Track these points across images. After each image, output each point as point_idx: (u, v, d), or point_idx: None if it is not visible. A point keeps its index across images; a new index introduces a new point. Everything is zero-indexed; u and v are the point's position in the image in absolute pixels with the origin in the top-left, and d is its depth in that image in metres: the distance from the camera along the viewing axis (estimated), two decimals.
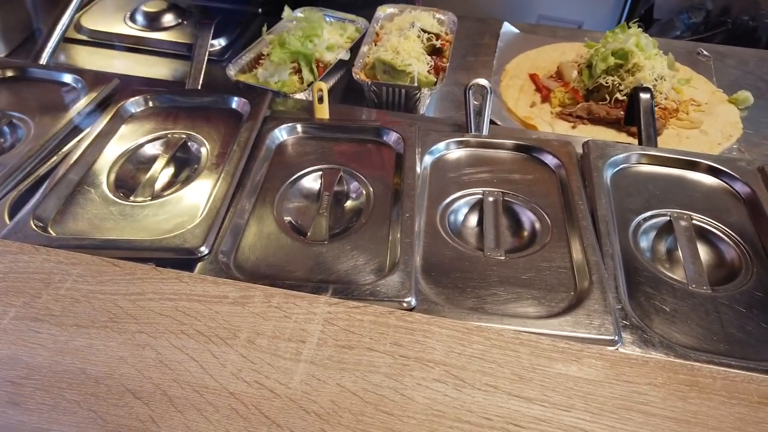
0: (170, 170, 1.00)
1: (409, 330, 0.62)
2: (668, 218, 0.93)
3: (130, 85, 1.15)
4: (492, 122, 1.22)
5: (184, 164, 1.02)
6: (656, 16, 3.12)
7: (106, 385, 0.56)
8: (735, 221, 0.93)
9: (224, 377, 0.57)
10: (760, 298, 0.81)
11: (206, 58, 1.18)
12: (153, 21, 1.51)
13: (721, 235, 0.91)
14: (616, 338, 0.72)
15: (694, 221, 0.92)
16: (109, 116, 1.05)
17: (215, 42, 1.44)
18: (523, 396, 0.57)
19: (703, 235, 0.91)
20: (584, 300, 0.77)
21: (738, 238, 0.90)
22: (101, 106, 1.09)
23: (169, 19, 1.52)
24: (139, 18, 1.52)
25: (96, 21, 1.51)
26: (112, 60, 1.44)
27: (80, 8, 1.48)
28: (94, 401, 0.55)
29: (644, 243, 0.90)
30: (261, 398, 0.56)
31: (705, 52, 1.50)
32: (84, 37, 1.48)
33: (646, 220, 0.93)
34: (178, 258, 0.80)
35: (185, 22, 1.53)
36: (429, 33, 1.34)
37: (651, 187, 0.98)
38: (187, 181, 0.95)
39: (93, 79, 1.13)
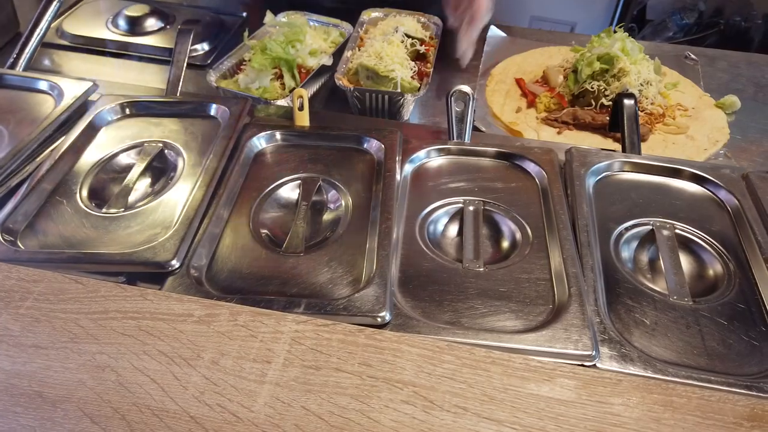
0: (146, 180, 0.99)
1: (378, 349, 0.61)
2: (651, 227, 0.91)
3: (107, 92, 1.13)
4: (476, 128, 1.21)
5: (161, 173, 1.00)
6: (649, 17, 3.11)
7: (63, 410, 0.54)
8: (718, 230, 0.91)
9: (185, 400, 0.56)
10: (742, 310, 0.79)
11: (185, 64, 1.16)
12: (136, 26, 1.49)
13: (703, 244, 0.90)
14: (594, 353, 0.70)
15: (677, 230, 0.91)
16: (85, 124, 1.04)
17: (198, 47, 1.42)
18: (494, 418, 0.55)
19: (686, 244, 0.90)
20: (562, 313, 0.75)
21: (721, 248, 0.88)
22: (77, 113, 1.07)
23: (152, 23, 1.50)
24: (122, 23, 1.50)
25: (78, 26, 1.49)
26: (94, 65, 1.42)
27: (61, 13, 1.46)
28: (50, 426, 0.53)
29: (626, 253, 0.89)
30: (223, 422, 0.54)
31: (692, 56, 1.49)
32: (66, 42, 1.46)
33: (628, 229, 0.91)
34: (148, 272, 0.78)
35: (168, 27, 1.51)
36: (413, 38, 1.32)
37: (634, 196, 0.97)
38: (162, 191, 0.93)
39: (69, 85, 1.11)
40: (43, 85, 1.12)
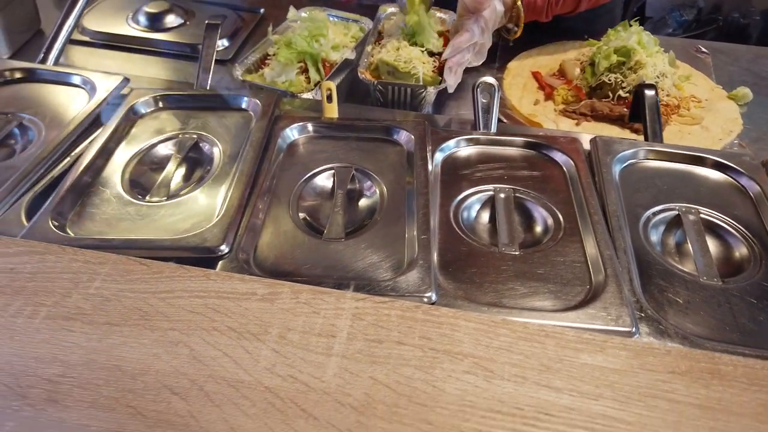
0: (183, 170, 1.01)
1: (436, 324, 0.63)
2: (677, 212, 0.95)
3: (138, 86, 1.15)
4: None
5: (197, 164, 1.02)
6: (648, 14, 3.15)
7: (142, 382, 0.57)
8: (741, 215, 0.95)
9: (258, 372, 0.58)
10: None
11: (214, 58, 1.18)
12: (156, 22, 1.51)
13: (728, 228, 0.93)
14: (634, 330, 0.73)
15: (701, 215, 0.94)
16: (120, 117, 1.05)
17: (218, 43, 1.44)
18: (552, 386, 0.58)
19: (712, 228, 0.93)
20: (600, 293, 0.78)
21: (746, 231, 0.92)
22: (111, 106, 1.09)
23: (171, 19, 1.53)
24: (142, 19, 1.52)
25: (98, 22, 1.51)
26: (115, 61, 1.44)
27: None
28: (132, 397, 0.56)
29: (654, 237, 0.92)
30: (296, 392, 0.57)
31: (704, 49, 1.53)
32: (86, 38, 1.47)
33: (655, 214, 0.95)
34: (198, 257, 0.81)
35: (188, 23, 1.53)
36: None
37: (659, 182, 1.00)
38: (202, 180, 0.96)
39: (101, 80, 1.13)
40: (76, 80, 1.14)
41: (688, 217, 0.94)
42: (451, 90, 1.26)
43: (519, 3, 1.34)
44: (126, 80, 1.15)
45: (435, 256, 0.84)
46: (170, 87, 1.19)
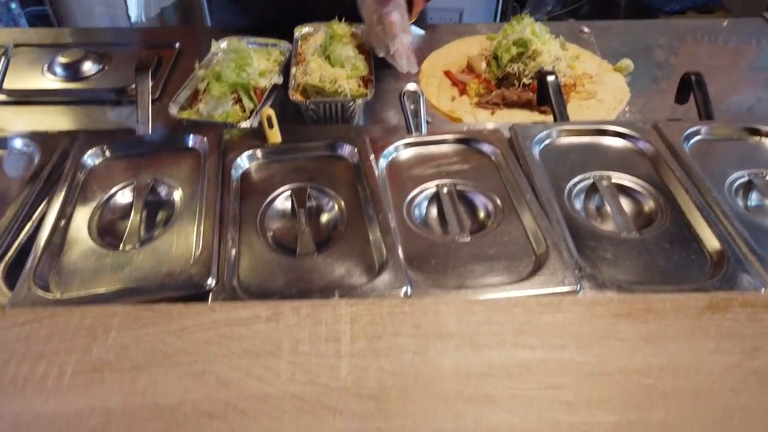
0: (149, 214, 1.05)
1: (422, 312, 0.74)
2: (592, 180, 1.10)
3: (80, 139, 1.17)
4: None
5: (159, 207, 1.07)
6: None
7: (182, 412, 0.64)
8: (644, 174, 1.11)
9: (282, 384, 0.66)
10: (677, 233, 0.99)
11: (150, 101, 1.22)
12: (74, 71, 1.52)
13: (636, 187, 1.09)
14: (578, 288, 0.87)
15: (613, 180, 1.10)
16: (71, 173, 1.08)
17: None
18: (527, 345, 0.70)
19: (623, 189, 1.09)
20: (545, 261, 0.91)
21: (650, 187, 1.08)
22: (59, 164, 1.12)
23: (89, 67, 1.54)
24: (59, 70, 1.52)
25: (13, 79, 1.50)
26: (41, 116, 1.43)
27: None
28: (176, 427, 0.63)
29: (578, 204, 1.07)
30: (319, 394, 0.65)
31: (586, 29, 1.71)
32: (5, 98, 1.46)
33: (575, 185, 1.09)
34: (188, 294, 0.87)
35: (107, 68, 1.55)
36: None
37: (573, 156, 1.15)
38: (169, 222, 1.01)
39: (42, 139, 1.15)
40: (17, 143, 1.15)
41: (602, 183, 1.09)
42: (414, 71, 1.42)
43: None
44: (66, 134, 1.17)
45: (401, 254, 0.95)
46: (114, 135, 1.21)
